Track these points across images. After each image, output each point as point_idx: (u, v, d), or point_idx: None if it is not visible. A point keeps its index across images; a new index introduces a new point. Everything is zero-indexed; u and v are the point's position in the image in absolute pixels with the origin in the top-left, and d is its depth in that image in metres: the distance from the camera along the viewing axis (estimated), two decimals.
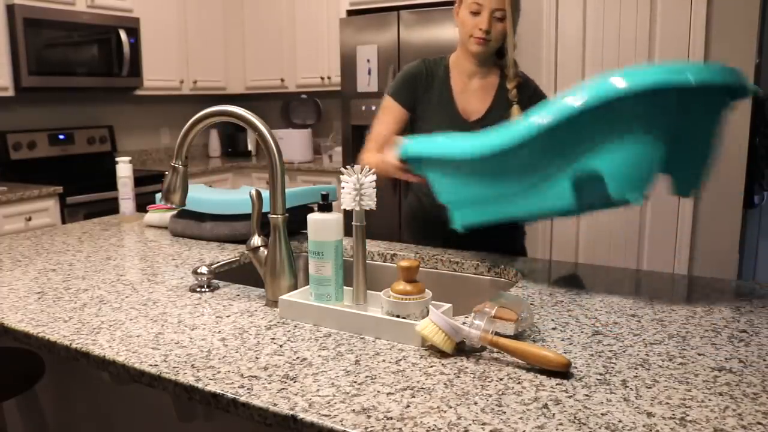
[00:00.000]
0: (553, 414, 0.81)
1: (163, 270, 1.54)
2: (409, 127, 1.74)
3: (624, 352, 1.00)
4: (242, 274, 1.59)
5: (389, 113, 1.72)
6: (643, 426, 0.77)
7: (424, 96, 1.71)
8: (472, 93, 1.69)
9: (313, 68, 4.37)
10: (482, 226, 1.36)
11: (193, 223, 1.87)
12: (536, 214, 1.37)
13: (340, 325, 1.12)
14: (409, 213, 1.87)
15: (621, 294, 1.31)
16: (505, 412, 0.81)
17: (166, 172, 1.32)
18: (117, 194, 2.19)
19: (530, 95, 1.67)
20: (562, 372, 0.92)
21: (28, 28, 3.28)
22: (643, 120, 1.03)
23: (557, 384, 0.89)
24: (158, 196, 1.93)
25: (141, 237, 1.93)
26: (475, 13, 1.58)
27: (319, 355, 1.01)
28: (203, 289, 1.36)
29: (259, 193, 1.28)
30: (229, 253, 1.68)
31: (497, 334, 0.99)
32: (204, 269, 1.37)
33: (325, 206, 1.18)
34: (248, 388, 0.89)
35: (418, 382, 0.91)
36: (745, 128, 2.82)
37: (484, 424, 0.78)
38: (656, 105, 1.02)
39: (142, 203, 2.30)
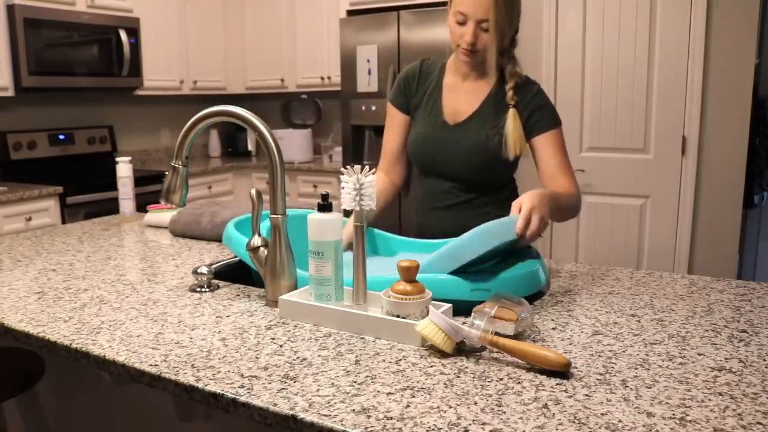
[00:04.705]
0: (553, 414, 0.81)
1: (163, 270, 1.54)
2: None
3: (624, 352, 1.00)
4: (242, 274, 1.59)
5: (392, 122, 1.73)
6: (643, 426, 0.77)
7: (417, 95, 1.69)
8: (463, 94, 1.63)
9: (313, 68, 4.37)
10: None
11: (193, 223, 1.87)
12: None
13: (340, 325, 1.12)
14: (418, 230, 1.74)
15: (621, 294, 1.31)
16: (505, 412, 0.81)
17: (166, 172, 1.32)
18: (117, 194, 2.19)
19: (529, 100, 1.58)
20: (562, 372, 0.92)
21: (28, 28, 3.28)
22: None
23: (557, 384, 0.89)
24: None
25: (141, 237, 1.93)
26: (461, 24, 1.49)
27: (319, 355, 1.01)
28: (203, 289, 1.36)
29: (259, 193, 1.28)
30: (229, 253, 1.68)
31: (497, 334, 0.99)
32: (204, 269, 1.37)
33: (325, 206, 1.18)
34: (248, 388, 0.89)
35: (418, 382, 0.91)
36: (745, 128, 2.82)
37: (484, 424, 0.78)
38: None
39: (142, 203, 2.30)
